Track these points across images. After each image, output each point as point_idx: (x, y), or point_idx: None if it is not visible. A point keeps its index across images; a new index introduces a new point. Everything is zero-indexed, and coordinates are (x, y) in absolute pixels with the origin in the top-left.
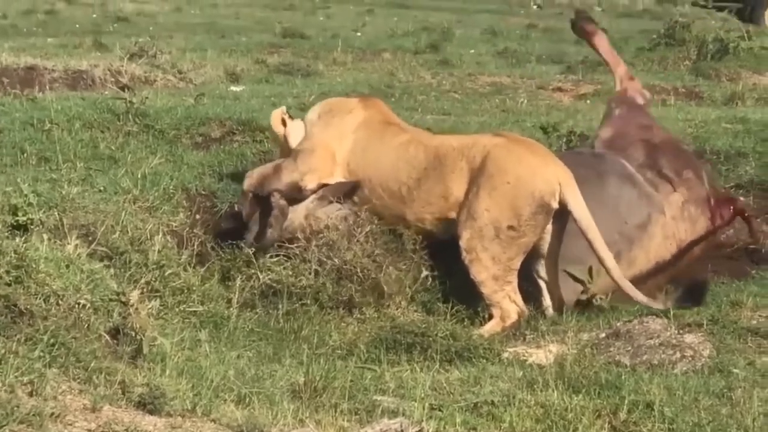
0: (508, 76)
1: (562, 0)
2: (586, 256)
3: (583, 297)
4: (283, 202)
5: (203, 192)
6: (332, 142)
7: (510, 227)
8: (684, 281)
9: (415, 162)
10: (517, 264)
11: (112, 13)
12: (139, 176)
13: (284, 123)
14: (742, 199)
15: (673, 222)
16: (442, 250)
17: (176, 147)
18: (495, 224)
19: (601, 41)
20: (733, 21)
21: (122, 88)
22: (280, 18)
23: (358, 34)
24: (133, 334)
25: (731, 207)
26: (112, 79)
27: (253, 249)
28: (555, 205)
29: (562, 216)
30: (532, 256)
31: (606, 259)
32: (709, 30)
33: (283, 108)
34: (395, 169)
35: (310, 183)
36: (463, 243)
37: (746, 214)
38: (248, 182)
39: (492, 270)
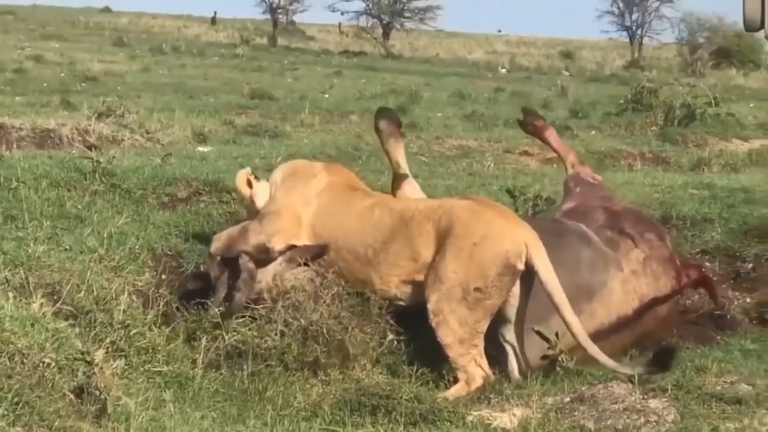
0: (475, 140)
1: (529, 64)
2: (551, 315)
3: (550, 353)
4: (251, 265)
5: (169, 252)
6: (297, 205)
7: (477, 289)
8: (652, 347)
9: (381, 225)
10: (483, 327)
11: (80, 72)
12: (105, 235)
13: (250, 184)
14: (707, 264)
15: (634, 277)
16: (408, 313)
17: (143, 207)
18: (462, 286)
19: (551, 134)
20: (700, 87)
21: (89, 148)
22: (248, 79)
23: (326, 96)
24: (98, 394)
25: (698, 270)
26: (80, 138)
27: (222, 310)
28: (521, 266)
29: (528, 278)
30: (497, 320)
31: (573, 323)
32: (676, 95)
33: (248, 169)
34: (361, 232)
35: (277, 245)
36: (430, 305)
37: (708, 282)
38: (215, 245)
39: (459, 333)
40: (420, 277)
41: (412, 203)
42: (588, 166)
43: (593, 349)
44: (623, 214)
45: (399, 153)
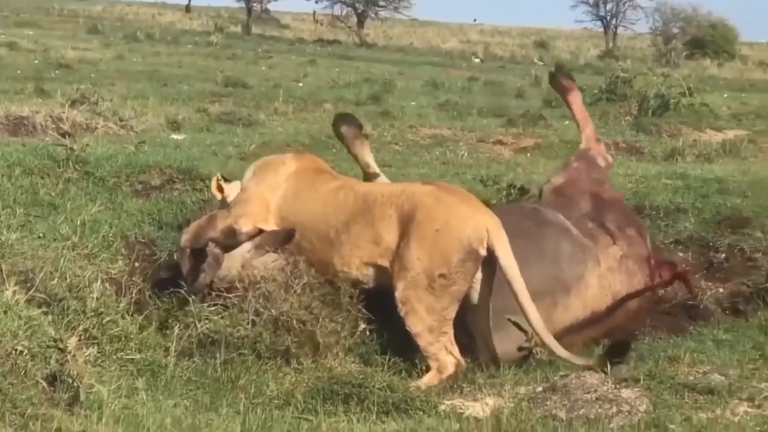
0: (449, 129)
1: (503, 53)
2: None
3: (526, 345)
4: (217, 250)
5: (142, 240)
6: (266, 192)
7: (441, 275)
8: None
9: (344, 206)
10: (451, 314)
11: (54, 59)
12: (78, 223)
13: (221, 189)
14: (683, 264)
15: (610, 273)
16: (379, 301)
17: (116, 194)
18: (427, 273)
19: (576, 99)
20: (675, 77)
21: (63, 135)
22: (222, 67)
23: (300, 84)
24: (70, 381)
25: (671, 270)
26: (53, 126)
27: (187, 290)
28: (483, 252)
29: (490, 264)
30: (465, 307)
31: (529, 310)
32: (650, 86)
33: (218, 174)
34: (324, 213)
35: (244, 226)
36: (398, 294)
37: (685, 277)
38: (185, 237)
39: (427, 321)
40: (382, 261)
41: (376, 187)
42: (602, 144)
43: (548, 339)
44: (609, 204)
45: (366, 154)
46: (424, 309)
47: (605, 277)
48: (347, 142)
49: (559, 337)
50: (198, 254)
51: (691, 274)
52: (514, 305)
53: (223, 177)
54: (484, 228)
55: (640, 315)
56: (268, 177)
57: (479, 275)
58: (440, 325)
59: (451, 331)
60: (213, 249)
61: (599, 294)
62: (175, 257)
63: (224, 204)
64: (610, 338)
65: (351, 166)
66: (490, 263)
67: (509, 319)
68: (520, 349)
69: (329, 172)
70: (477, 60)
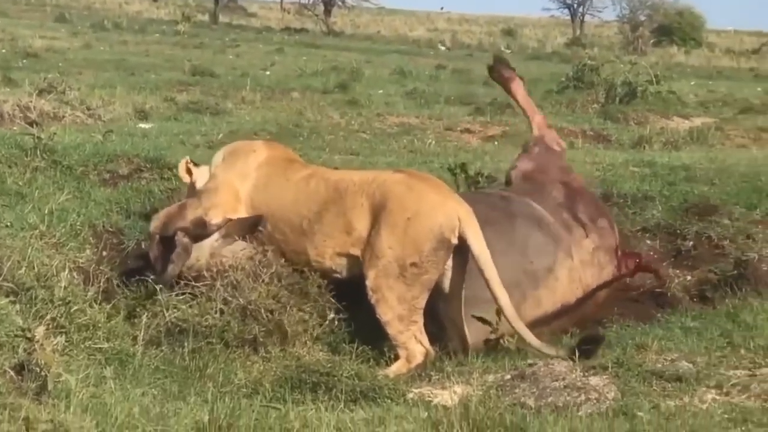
0: (417, 117)
1: (471, 41)
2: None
3: (492, 337)
4: (186, 240)
5: (110, 229)
6: (235, 180)
7: (413, 264)
8: (591, 326)
9: (316, 196)
10: (422, 303)
11: (21, 48)
12: (46, 212)
13: (190, 172)
14: (651, 253)
15: (581, 266)
16: (348, 290)
17: (84, 183)
18: (399, 261)
19: (518, 88)
20: (642, 65)
21: (30, 124)
22: (189, 56)
23: (267, 73)
24: (38, 370)
25: (636, 260)
26: (21, 115)
27: (155, 279)
28: (454, 240)
29: (462, 252)
30: (435, 296)
31: (501, 297)
32: (617, 73)
33: (187, 158)
34: (296, 202)
35: (214, 218)
36: (369, 282)
37: (649, 267)
38: (154, 224)
39: (398, 310)
40: (355, 251)
41: (347, 175)
42: (553, 130)
43: (519, 326)
44: (580, 194)
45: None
46: (395, 297)
47: (576, 270)
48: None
49: (528, 328)
50: (166, 242)
51: (659, 262)
52: (484, 294)
53: (192, 161)
54: (456, 216)
55: (608, 304)
56: (238, 164)
57: (450, 263)
58: (410, 313)
59: (420, 320)
60: (182, 239)
61: (569, 287)
62: (143, 246)
63: (191, 189)
64: (579, 327)
65: (318, 154)
66: (461, 251)
67: (473, 316)
68: (486, 341)
69: (299, 161)
70: (443, 48)
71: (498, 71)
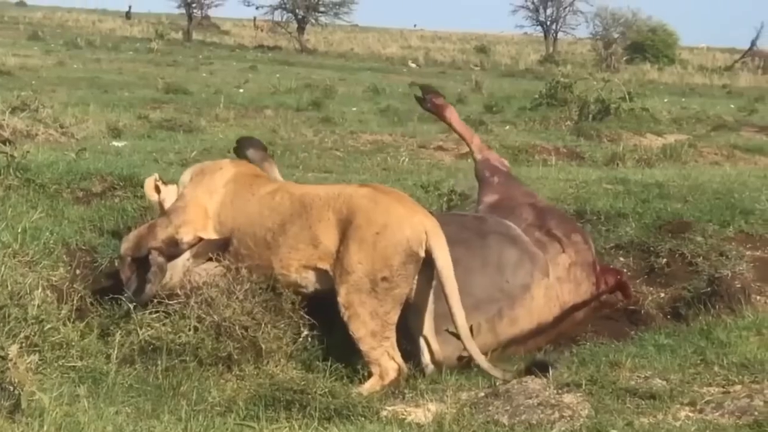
0: (390, 135)
1: (444, 59)
2: (469, 313)
3: (465, 354)
4: (161, 259)
5: (84, 247)
6: (203, 197)
7: (384, 278)
8: (566, 345)
9: (281, 208)
10: (394, 318)
11: None
12: (19, 230)
13: (158, 190)
14: (621, 260)
15: (558, 283)
16: (321, 307)
17: (57, 201)
18: (369, 276)
19: (452, 114)
20: (615, 82)
21: (3, 142)
22: (162, 74)
23: (241, 90)
24: (12, 389)
25: (615, 275)
26: None
27: (132, 299)
28: (422, 253)
29: (430, 265)
30: (407, 312)
31: (457, 314)
32: (591, 90)
33: (156, 175)
34: (261, 215)
35: (185, 235)
36: (341, 299)
37: (626, 284)
38: (125, 246)
39: (370, 325)
40: (322, 264)
41: (312, 189)
42: (492, 150)
43: (471, 345)
44: (548, 212)
45: (276, 173)
46: (368, 313)
47: (553, 287)
48: (256, 164)
49: (504, 347)
50: (140, 263)
51: (632, 280)
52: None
53: (161, 179)
54: (423, 229)
55: (586, 322)
56: (206, 182)
57: (419, 277)
58: (383, 329)
59: (393, 336)
60: (156, 258)
61: (546, 305)
62: (117, 264)
63: (160, 207)
64: (554, 345)
65: (291, 172)
66: (429, 265)
67: (447, 330)
68: (459, 359)
69: (265, 177)
70: (414, 65)
71: (429, 101)
